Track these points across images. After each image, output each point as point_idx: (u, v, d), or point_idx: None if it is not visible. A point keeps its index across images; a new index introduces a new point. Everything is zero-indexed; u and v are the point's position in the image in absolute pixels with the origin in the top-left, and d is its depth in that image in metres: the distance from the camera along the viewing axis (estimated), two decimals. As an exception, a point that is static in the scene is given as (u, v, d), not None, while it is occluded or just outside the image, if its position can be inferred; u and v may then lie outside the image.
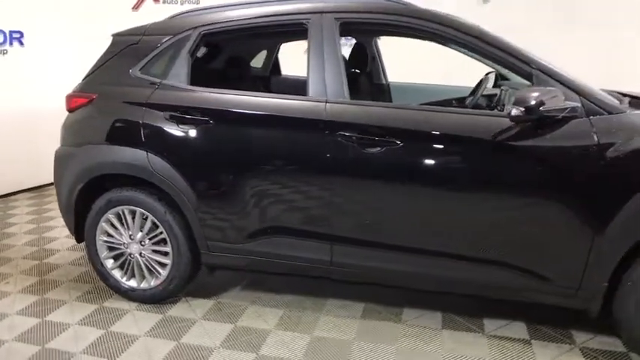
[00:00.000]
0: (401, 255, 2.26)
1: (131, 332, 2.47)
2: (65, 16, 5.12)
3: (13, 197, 4.92)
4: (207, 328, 2.50)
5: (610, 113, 1.97)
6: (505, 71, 2.58)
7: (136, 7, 5.71)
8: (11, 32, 4.72)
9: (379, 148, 2.16)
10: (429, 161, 2.15)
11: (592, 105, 1.99)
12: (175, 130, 2.44)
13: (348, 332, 2.42)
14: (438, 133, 2.12)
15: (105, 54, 2.75)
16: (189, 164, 2.45)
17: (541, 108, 1.87)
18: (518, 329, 2.43)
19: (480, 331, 2.42)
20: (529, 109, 1.87)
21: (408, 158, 2.15)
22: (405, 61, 4.00)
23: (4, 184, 4.89)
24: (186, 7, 5.58)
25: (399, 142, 2.13)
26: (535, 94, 1.87)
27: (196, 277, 2.75)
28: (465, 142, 2.09)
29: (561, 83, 2.02)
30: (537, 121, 1.93)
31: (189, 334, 2.45)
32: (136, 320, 2.58)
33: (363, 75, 3.30)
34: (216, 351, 2.30)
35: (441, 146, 2.14)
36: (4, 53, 4.69)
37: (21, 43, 4.81)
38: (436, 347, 2.29)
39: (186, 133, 2.43)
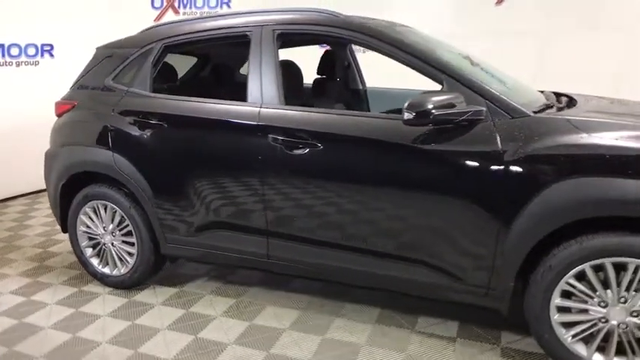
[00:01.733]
0: (328, 250, 2.41)
1: (96, 312, 2.77)
2: (91, 30, 5.60)
3: (41, 194, 5.45)
4: (163, 312, 2.75)
5: (514, 117, 2.03)
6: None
7: (157, 19, 6.15)
8: (42, 45, 5.27)
9: (303, 151, 2.32)
10: (345, 163, 2.28)
11: (497, 109, 2.05)
12: (136, 133, 2.72)
13: (284, 321, 2.59)
14: (351, 136, 2.25)
15: (87, 65, 3.10)
16: (147, 164, 2.73)
17: (435, 112, 1.96)
18: (449, 328, 2.50)
19: (410, 327, 2.51)
20: (419, 114, 1.97)
21: (327, 160, 2.30)
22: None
23: (34, 182, 5.43)
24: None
25: (319, 145, 2.29)
26: (426, 99, 1.97)
27: (163, 268, 3.03)
28: (372, 145, 2.21)
29: (469, 88, 2.09)
30: (434, 124, 2.02)
31: (144, 316, 2.71)
32: (104, 303, 2.88)
33: (331, 81, 3.45)
34: (161, 332, 2.55)
35: (354, 149, 2.26)
36: (35, 64, 5.24)
37: (51, 55, 5.35)
38: (360, 340, 2.42)
39: (145, 135, 2.70)
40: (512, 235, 2.02)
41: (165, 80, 3.11)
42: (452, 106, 1.99)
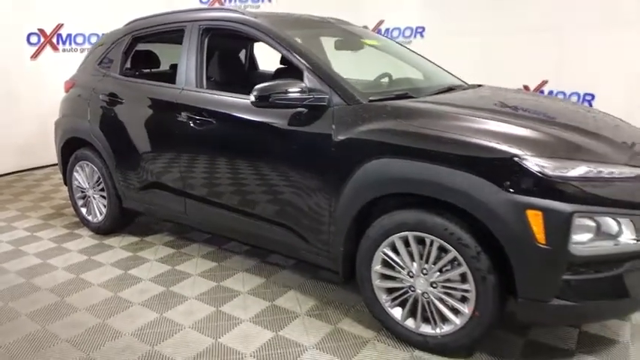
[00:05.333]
0: (224, 211, 2.87)
1: (70, 248, 3.51)
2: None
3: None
4: (117, 253, 3.42)
5: (349, 104, 2.32)
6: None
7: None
8: (104, 35, 6.27)
9: (204, 126, 2.80)
10: (226, 137, 2.73)
11: (338, 97, 2.35)
12: (105, 107, 3.40)
13: (198, 268, 3.12)
14: (227, 114, 2.71)
15: (89, 51, 3.86)
16: (111, 133, 3.39)
17: (274, 97, 2.32)
18: (344, 297, 2.74)
19: (309, 301, 2.84)
20: (260, 97, 2.34)
21: (217, 134, 2.77)
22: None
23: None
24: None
25: (214, 122, 2.76)
26: (269, 86, 2.34)
27: (131, 220, 3.72)
28: (240, 124, 2.63)
29: (319, 77, 2.41)
30: (275, 107, 2.39)
31: (101, 255, 3.39)
32: (82, 242, 3.62)
33: (293, 71, 3.82)
34: (104, 266, 3.21)
35: (231, 125, 2.71)
36: (96, 51, 6.28)
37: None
38: (240, 287, 2.85)
39: (110, 109, 3.37)
40: (339, 207, 2.33)
41: (145, 65, 3.75)
42: (294, 92, 2.34)
